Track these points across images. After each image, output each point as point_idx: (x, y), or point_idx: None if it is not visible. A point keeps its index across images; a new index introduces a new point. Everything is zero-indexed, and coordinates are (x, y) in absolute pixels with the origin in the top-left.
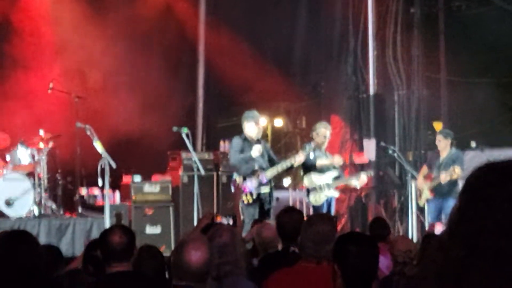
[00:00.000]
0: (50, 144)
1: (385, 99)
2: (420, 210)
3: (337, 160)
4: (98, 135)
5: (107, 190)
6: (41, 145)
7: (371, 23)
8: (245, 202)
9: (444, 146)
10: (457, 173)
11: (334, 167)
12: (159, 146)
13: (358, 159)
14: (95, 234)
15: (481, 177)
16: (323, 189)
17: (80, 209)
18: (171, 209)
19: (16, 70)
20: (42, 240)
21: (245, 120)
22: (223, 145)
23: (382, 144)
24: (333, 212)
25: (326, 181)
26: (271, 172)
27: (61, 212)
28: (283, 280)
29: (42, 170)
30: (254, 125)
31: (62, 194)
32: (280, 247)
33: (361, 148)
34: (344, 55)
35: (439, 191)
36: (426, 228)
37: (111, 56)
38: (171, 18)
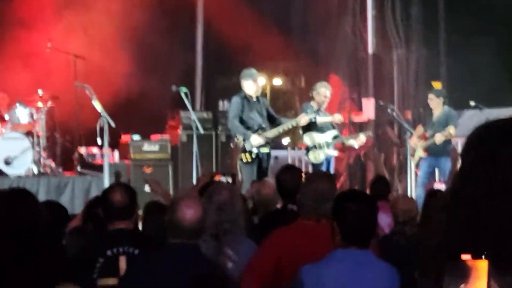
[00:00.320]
0: (49, 103)
1: (383, 58)
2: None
3: (337, 117)
4: (97, 94)
5: (106, 148)
6: (40, 104)
7: None
8: (244, 160)
9: (436, 104)
10: (452, 133)
11: (334, 127)
12: (158, 105)
13: (357, 118)
14: (94, 193)
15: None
16: (322, 148)
17: (79, 168)
18: (170, 167)
19: (15, 29)
20: (41, 199)
21: (243, 78)
22: (222, 104)
23: (381, 103)
24: (332, 170)
25: (326, 139)
26: (272, 133)
27: (60, 170)
28: (282, 238)
29: (41, 129)
30: (253, 83)
31: (61, 153)
32: (279, 205)
33: (360, 108)
34: (342, 14)
35: (433, 150)
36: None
37: (110, 16)
38: None
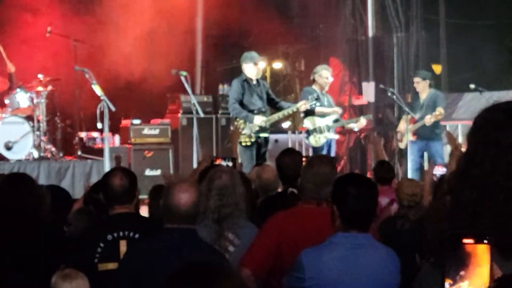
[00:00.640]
0: (49, 88)
1: (383, 41)
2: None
3: (337, 109)
4: (97, 78)
5: (107, 133)
6: (40, 88)
7: None
8: (243, 144)
9: (422, 87)
10: (441, 113)
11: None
12: (158, 89)
13: (357, 102)
14: (95, 177)
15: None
16: (323, 131)
17: (79, 152)
18: (170, 151)
19: (14, 13)
20: (42, 183)
21: (243, 61)
22: (222, 88)
23: (381, 86)
24: (333, 153)
25: (327, 123)
26: (272, 119)
27: (61, 155)
28: (283, 222)
29: (41, 113)
30: (253, 66)
31: (61, 137)
32: (280, 189)
33: (360, 91)
34: None
35: (422, 133)
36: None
37: (109, 0)
38: None
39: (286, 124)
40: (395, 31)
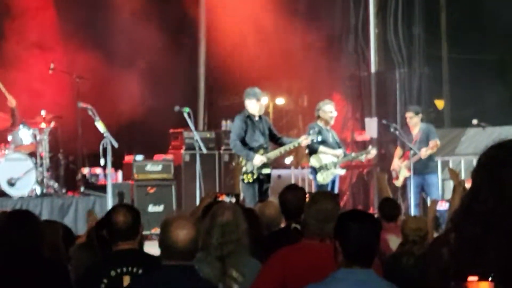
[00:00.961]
0: (52, 124)
1: (386, 77)
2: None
3: (339, 153)
4: (100, 115)
5: (109, 169)
6: (43, 125)
7: (372, 0)
8: (245, 181)
9: (415, 122)
10: (437, 145)
11: (340, 146)
12: (160, 125)
13: (360, 137)
14: (98, 213)
15: (494, 156)
16: (330, 168)
17: (82, 188)
18: (173, 187)
19: (18, 50)
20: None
21: (246, 97)
22: (225, 124)
23: (384, 122)
24: (336, 189)
25: (332, 159)
26: (274, 154)
27: (64, 191)
28: (287, 257)
29: (44, 150)
30: (256, 102)
31: (64, 173)
32: (283, 225)
33: (362, 126)
34: (345, 33)
35: (419, 168)
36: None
37: (112, 36)
38: None
39: (289, 160)
40: (398, 66)
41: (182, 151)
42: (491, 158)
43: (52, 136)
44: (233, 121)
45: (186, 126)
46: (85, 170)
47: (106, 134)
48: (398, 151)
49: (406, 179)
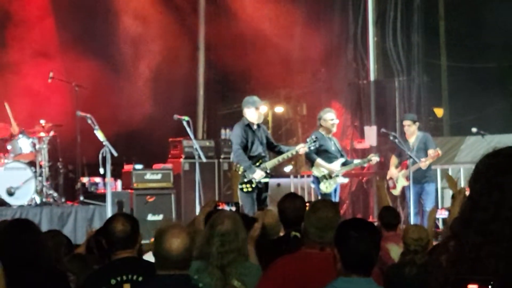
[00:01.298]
0: (51, 133)
1: (385, 85)
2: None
3: (335, 169)
4: (99, 124)
5: (109, 178)
6: (42, 134)
7: (371, 9)
8: (244, 190)
9: (413, 131)
10: (439, 154)
11: (342, 155)
12: (160, 134)
13: (359, 145)
14: (97, 222)
15: (493, 164)
16: (333, 177)
17: (81, 197)
18: (172, 196)
19: (17, 59)
20: (44, 228)
21: (245, 106)
22: (224, 132)
23: (383, 130)
24: (338, 198)
25: (335, 167)
26: (272, 163)
27: (63, 200)
28: (286, 267)
29: (43, 159)
30: (255, 110)
31: (63, 182)
32: (282, 233)
33: (362, 135)
34: (344, 42)
35: (416, 178)
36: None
37: (111, 45)
38: (171, 5)
39: (288, 168)
40: (397, 75)
41: (182, 159)
42: (489, 166)
43: (52, 145)
44: (232, 129)
45: (185, 134)
46: (85, 179)
47: (106, 143)
48: (394, 160)
49: (404, 188)
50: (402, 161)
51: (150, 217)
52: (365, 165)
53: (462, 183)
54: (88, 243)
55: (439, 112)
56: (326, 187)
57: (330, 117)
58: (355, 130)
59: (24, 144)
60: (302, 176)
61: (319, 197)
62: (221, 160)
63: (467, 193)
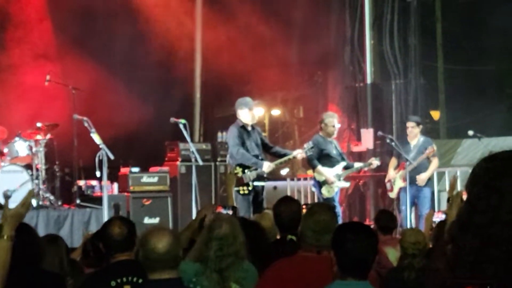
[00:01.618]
0: (48, 136)
1: (382, 88)
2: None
3: (333, 179)
4: (96, 127)
5: (105, 181)
6: (39, 137)
7: (368, 11)
8: (241, 192)
9: (416, 133)
10: (434, 149)
11: (343, 158)
12: (156, 137)
13: (356, 148)
14: (94, 225)
15: (489, 168)
16: (334, 181)
17: (78, 201)
18: (169, 199)
19: (13, 61)
20: (41, 231)
21: (238, 108)
22: (221, 135)
23: (380, 133)
24: (337, 201)
25: (336, 172)
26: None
27: (59, 203)
28: (284, 269)
29: (40, 162)
30: (248, 111)
31: (60, 185)
32: (278, 236)
33: (358, 138)
34: (341, 44)
35: (413, 180)
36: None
37: (108, 48)
38: (168, 8)
39: (284, 171)
40: (394, 77)
41: (178, 162)
42: (486, 170)
43: (48, 148)
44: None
45: (182, 137)
46: (81, 182)
47: (102, 146)
48: (393, 162)
49: (400, 189)
50: (400, 163)
51: (147, 220)
52: (366, 169)
53: (459, 186)
54: (84, 247)
55: (435, 114)
56: (327, 191)
57: (331, 123)
58: (351, 133)
59: (21, 147)
60: (298, 179)
61: (321, 201)
62: (217, 163)
63: (464, 196)
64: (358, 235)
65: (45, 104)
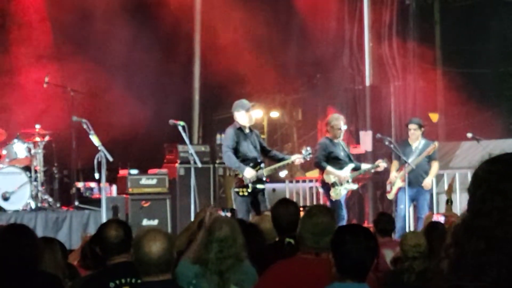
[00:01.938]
0: (46, 138)
1: (381, 90)
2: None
3: (344, 176)
4: (94, 128)
5: (104, 183)
6: (37, 138)
7: (367, 14)
8: (240, 194)
9: (418, 135)
10: (435, 146)
11: (350, 160)
12: (155, 139)
13: (354, 150)
14: (92, 227)
15: (493, 171)
16: (343, 183)
17: (76, 202)
18: (168, 201)
19: (12, 63)
20: (39, 233)
21: (235, 110)
22: (220, 138)
23: (379, 135)
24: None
25: (345, 174)
26: (270, 170)
27: (58, 205)
28: (282, 272)
29: (38, 164)
30: (245, 113)
31: (58, 187)
32: (277, 239)
33: (357, 140)
34: (339, 47)
35: (414, 180)
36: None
37: (107, 50)
38: (167, 10)
39: (283, 174)
40: (392, 80)
41: (177, 164)
42: (489, 172)
43: (47, 150)
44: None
45: (180, 140)
46: (80, 184)
47: (101, 148)
48: (395, 164)
49: (398, 190)
50: (402, 164)
51: (146, 222)
52: (373, 170)
53: (457, 188)
54: (82, 249)
55: (434, 117)
56: (336, 193)
57: (337, 126)
58: (350, 135)
59: (20, 149)
60: (297, 181)
61: (328, 204)
62: (216, 165)
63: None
64: (357, 237)
65: (44, 106)
